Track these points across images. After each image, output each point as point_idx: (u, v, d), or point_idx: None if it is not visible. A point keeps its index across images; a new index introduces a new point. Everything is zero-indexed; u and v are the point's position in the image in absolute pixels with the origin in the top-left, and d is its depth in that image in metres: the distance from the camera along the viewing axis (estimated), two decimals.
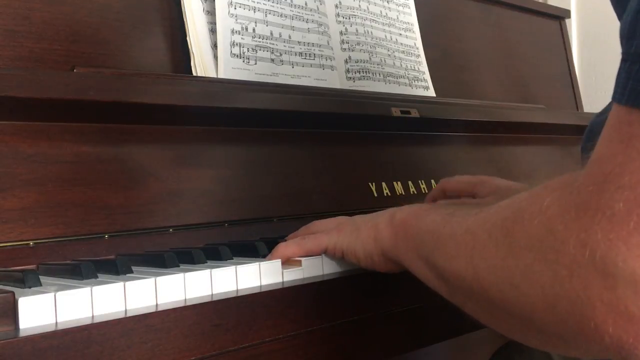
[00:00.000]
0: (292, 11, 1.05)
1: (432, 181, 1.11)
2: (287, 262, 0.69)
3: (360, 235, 0.67)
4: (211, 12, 0.96)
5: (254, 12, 1.00)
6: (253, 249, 0.72)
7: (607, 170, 0.39)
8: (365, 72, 1.15)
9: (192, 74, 0.92)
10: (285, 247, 0.70)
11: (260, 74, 0.98)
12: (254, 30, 0.99)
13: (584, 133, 0.69)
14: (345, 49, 1.14)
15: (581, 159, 0.68)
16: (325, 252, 0.70)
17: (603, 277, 0.38)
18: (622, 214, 0.37)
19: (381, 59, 1.19)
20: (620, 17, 0.43)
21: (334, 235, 0.69)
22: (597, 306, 0.38)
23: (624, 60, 0.41)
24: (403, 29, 1.27)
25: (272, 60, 1.00)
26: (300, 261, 0.68)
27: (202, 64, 0.93)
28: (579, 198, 0.40)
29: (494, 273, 0.45)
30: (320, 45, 1.08)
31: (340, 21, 1.15)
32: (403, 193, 1.05)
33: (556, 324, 0.41)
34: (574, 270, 0.39)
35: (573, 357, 0.83)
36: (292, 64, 1.03)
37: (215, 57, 0.94)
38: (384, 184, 1.04)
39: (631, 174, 0.38)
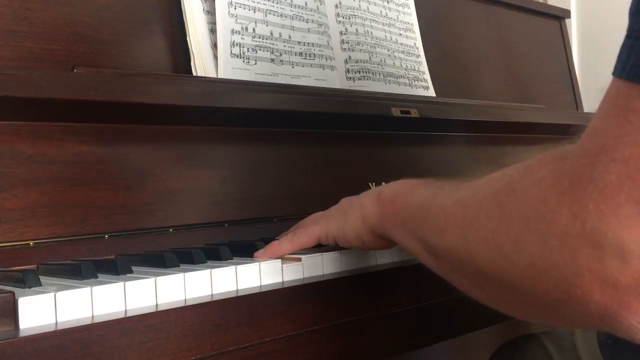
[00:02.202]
0: (292, 11, 1.05)
1: None
2: (285, 259, 0.69)
3: (349, 218, 0.68)
4: (211, 12, 0.96)
5: (254, 12, 1.00)
6: (253, 249, 0.72)
7: (601, 143, 0.40)
8: (365, 72, 1.15)
9: (192, 74, 0.92)
10: (278, 245, 0.70)
11: (260, 74, 0.97)
12: (254, 30, 0.99)
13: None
14: (345, 49, 1.14)
15: None
16: (318, 241, 0.71)
17: (592, 247, 0.39)
18: (613, 186, 0.38)
19: (381, 59, 1.19)
20: None
21: (323, 223, 0.70)
22: (584, 275, 0.39)
23: (627, 36, 0.41)
24: (403, 29, 1.27)
25: (272, 60, 1.00)
26: (299, 257, 0.69)
27: (202, 64, 0.93)
28: (572, 170, 0.41)
29: (485, 243, 0.46)
30: (320, 45, 1.08)
31: (340, 21, 1.15)
32: None
33: (543, 293, 0.43)
34: (564, 240, 0.40)
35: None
36: (292, 64, 1.03)
37: (215, 57, 0.94)
38: (384, 184, 1.04)
39: (624, 147, 0.38)
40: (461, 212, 0.50)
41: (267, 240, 0.76)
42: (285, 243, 0.71)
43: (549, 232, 0.41)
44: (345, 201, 0.72)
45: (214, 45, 0.95)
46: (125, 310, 0.54)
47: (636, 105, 0.39)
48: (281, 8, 1.04)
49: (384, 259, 0.76)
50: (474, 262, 0.48)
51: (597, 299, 0.39)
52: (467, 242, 0.49)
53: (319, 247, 0.76)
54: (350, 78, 1.13)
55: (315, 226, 0.71)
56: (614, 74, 0.42)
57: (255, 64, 0.98)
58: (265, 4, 1.01)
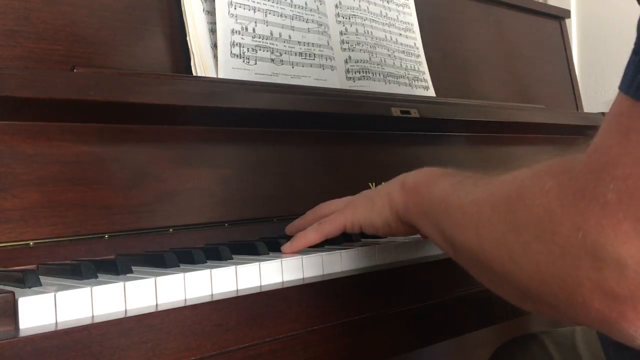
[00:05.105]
0: (292, 11, 1.05)
1: None
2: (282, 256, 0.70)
3: (376, 206, 0.70)
4: (211, 12, 0.96)
5: (254, 12, 1.00)
6: (253, 249, 0.72)
7: (603, 161, 0.41)
8: (365, 72, 1.15)
9: (192, 74, 0.92)
10: (304, 236, 0.72)
11: (260, 74, 0.97)
12: (254, 30, 0.99)
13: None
14: (345, 49, 1.14)
15: None
16: (343, 230, 0.72)
17: (592, 259, 0.41)
18: (613, 203, 0.40)
19: (381, 59, 1.19)
20: None
21: (349, 213, 0.72)
22: (585, 284, 0.41)
23: (635, 52, 0.42)
24: (403, 29, 1.27)
25: (272, 60, 1.00)
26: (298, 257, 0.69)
27: (202, 64, 0.93)
28: (576, 185, 0.42)
29: (497, 246, 0.49)
30: (320, 45, 1.08)
31: (340, 21, 1.15)
32: None
33: (549, 296, 0.45)
34: (567, 250, 0.42)
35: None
36: (292, 64, 1.03)
37: (215, 57, 0.94)
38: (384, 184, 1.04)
39: (624, 166, 0.40)
40: (477, 211, 0.52)
41: (267, 240, 0.76)
42: (311, 233, 0.72)
43: (553, 241, 0.43)
44: (368, 191, 0.74)
45: (214, 45, 0.95)
46: (125, 310, 0.54)
47: (638, 124, 0.40)
48: (281, 8, 1.04)
49: (384, 258, 0.76)
50: (488, 262, 0.50)
51: (597, 306, 0.41)
52: (481, 241, 0.51)
53: (320, 246, 0.76)
54: (350, 78, 1.13)
55: (341, 215, 0.72)
56: (620, 88, 0.42)
57: (255, 64, 0.98)
58: (265, 4, 1.01)
